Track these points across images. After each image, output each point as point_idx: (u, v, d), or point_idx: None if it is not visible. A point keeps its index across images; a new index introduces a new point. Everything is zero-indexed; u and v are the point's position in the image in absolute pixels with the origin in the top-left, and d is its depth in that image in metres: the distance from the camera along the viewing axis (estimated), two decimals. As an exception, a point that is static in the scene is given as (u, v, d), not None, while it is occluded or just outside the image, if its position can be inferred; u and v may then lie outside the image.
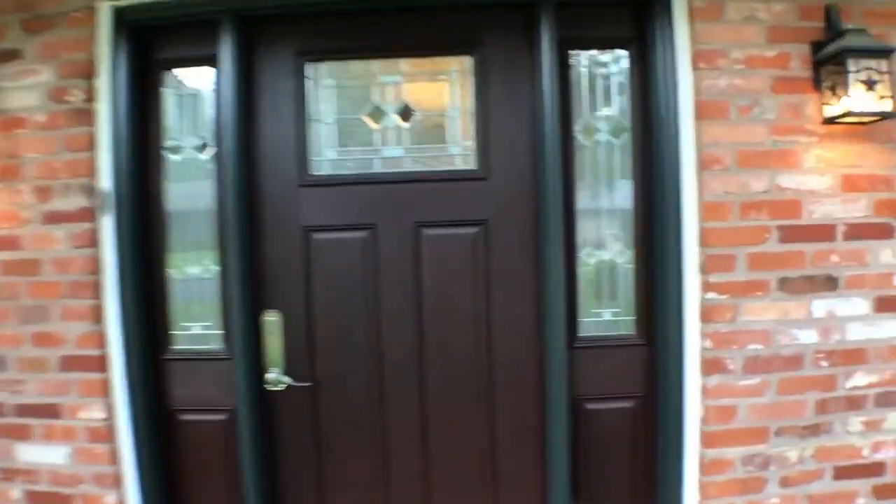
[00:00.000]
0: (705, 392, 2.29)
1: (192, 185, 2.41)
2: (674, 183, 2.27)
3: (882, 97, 2.19)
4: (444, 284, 2.38)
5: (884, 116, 2.21)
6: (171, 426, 2.45)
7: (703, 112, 2.26)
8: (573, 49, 2.39)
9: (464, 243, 2.37)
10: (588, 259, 2.41)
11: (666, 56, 2.29)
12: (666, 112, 2.27)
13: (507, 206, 2.36)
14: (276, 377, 2.35)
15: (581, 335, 2.41)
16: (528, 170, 2.35)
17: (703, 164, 2.26)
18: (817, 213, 2.30)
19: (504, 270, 2.37)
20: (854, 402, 2.37)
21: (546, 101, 2.29)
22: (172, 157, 2.41)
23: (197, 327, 2.44)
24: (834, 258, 2.32)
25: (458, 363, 2.39)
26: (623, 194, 2.40)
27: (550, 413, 2.33)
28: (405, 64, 2.40)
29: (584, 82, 2.41)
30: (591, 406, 2.40)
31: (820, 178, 2.30)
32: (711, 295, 2.27)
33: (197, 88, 2.42)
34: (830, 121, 2.27)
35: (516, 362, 2.39)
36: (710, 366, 2.29)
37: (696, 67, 2.27)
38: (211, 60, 2.36)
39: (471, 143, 2.37)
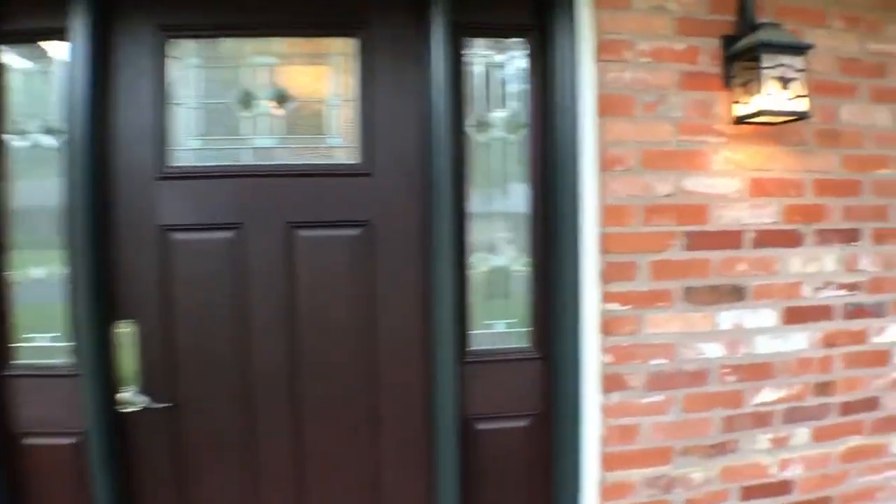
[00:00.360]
0: (606, 410, 2.11)
1: (38, 174, 2.09)
2: (573, 184, 2.08)
3: (797, 96, 2.03)
4: (321, 292, 2.13)
5: (799, 117, 2.06)
6: (14, 451, 2.13)
7: (607, 108, 2.07)
8: (469, 36, 2.18)
9: (344, 246, 2.13)
10: (481, 265, 2.20)
11: (568, 46, 2.11)
12: (566, 107, 2.09)
13: (393, 206, 2.13)
14: (131, 396, 2.06)
15: (473, 348, 2.19)
16: (417, 166, 2.12)
17: (605, 165, 2.07)
18: (725, 218, 2.15)
19: (389, 277, 2.13)
20: (761, 419, 2.25)
21: (438, 91, 2.07)
22: (16, 143, 2.08)
23: (43, 339, 2.13)
24: (742, 267, 2.17)
25: (338, 380, 2.15)
26: (520, 195, 2.20)
27: (439, 434, 2.12)
28: (281, 44, 2.14)
29: (481, 73, 2.19)
30: (483, 426, 2.20)
31: (728, 181, 2.15)
32: (612, 306, 2.08)
33: (47, 65, 2.09)
34: (740, 120, 2.12)
35: (402, 379, 2.17)
36: (611, 382, 2.11)
37: (599, 59, 2.08)
38: (63, 33, 2.02)
39: (353, 135, 2.12)
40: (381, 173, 2.13)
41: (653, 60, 2.12)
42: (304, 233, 2.12)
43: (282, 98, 2.14)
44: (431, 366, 2.14)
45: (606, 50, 2.09)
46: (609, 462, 2.14)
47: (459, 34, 2.16)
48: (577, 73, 2.09)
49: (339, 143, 2.14)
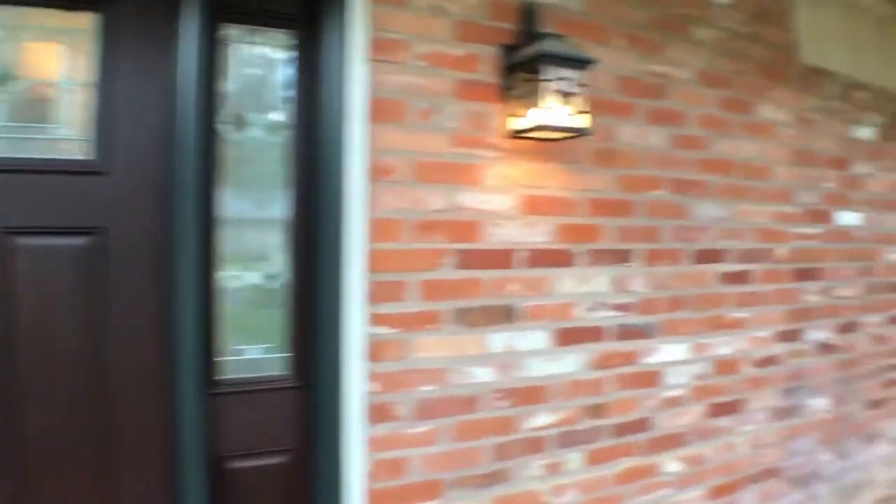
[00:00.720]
0: (372, 443, 1.94)
1: None
2: (337, 193, 1.89)
3: (578, 112, 1.95)
4: (43, 312, 1.77)
5: (579, 133, 1.99)
6: None
7: (378, 113, 1.91)
8: (228, 22, 1.91)
9: (71, 256, 1.80)
10: (234, 281, 1.94)
11: (337, 41, 1.92)
12: (333, 108, 1.91)
13: (133, 211, 1.83)
14: None
15: (223, 377, 1.92)
16: (163, 167, 1.84)
17: (375, 174, 1.90)
18: (497, 236, 2.05)
19: (125, 293, 1.83)
20: (534, 445, 2.18)
21: (188, 81, 1.80)
22: None
23: None
24: (513, 287, 2.09)
25: (65, 417, 1.80)
26: (282, 203, 1.97)
27: (185, 475, 1.83)
28: (7, 14, 1.75)
29: (242, 66, 1.95)
30: (235, 464, 1.94)
31: (502, 198, 2.07)
32: (380, 329, 1.92)
33: None
34: (517, 134, 2.03)
35: (142, 413, 1.85)
36: (378, 412, 1.94)
37: (372, 59, 1.91)
38: None
39: (88, 127, 1.79)
40: (119, 172, 1.83)
41: (429, 65, 1.98)
42: (23, 240, 1.76)
43: (2, 78, 1.77)
44: (174, 398, 1.84)
45: (380, 49, 1.92)
46: (375, 499, 1.97)
47: (218, 19, 1.90)
48: (346, 73, 1.91)
49: (71, 134, 1.81)
